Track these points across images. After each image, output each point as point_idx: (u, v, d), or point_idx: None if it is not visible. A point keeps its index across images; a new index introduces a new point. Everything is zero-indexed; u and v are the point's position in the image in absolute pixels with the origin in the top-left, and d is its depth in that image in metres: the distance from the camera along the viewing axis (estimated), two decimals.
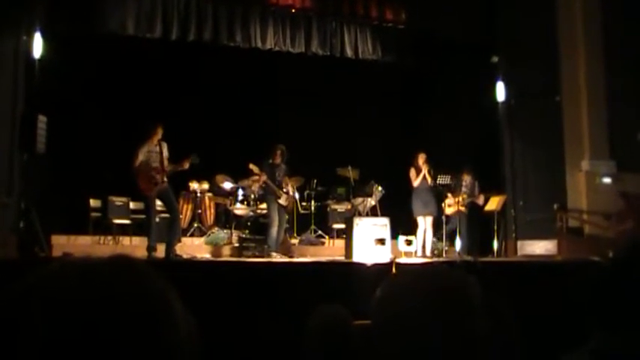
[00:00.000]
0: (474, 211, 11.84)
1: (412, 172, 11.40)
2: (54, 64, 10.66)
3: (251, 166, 10.91)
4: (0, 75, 10.31)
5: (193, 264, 8.86)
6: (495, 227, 12.03)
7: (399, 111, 14.06)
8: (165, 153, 9.73)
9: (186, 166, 9.84)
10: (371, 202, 12.11)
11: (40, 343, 0.82)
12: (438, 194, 11.63)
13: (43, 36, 10.57)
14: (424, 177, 11.35)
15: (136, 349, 0.85)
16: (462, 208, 11.64)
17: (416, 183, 11.35)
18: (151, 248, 9.54)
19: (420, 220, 11.34)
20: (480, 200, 11.70)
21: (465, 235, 11.56)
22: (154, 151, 9.63)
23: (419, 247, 11.25)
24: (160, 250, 9.69)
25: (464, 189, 11.74)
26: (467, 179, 11.81)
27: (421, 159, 11.39)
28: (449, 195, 11.64)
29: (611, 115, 12.36)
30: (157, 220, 10.03)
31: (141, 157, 9.52)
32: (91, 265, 0.92)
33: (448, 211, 11.66)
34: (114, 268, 0.92)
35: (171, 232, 9.73)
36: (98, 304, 0.85)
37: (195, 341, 0.97)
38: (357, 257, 9.62)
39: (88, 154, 11.55)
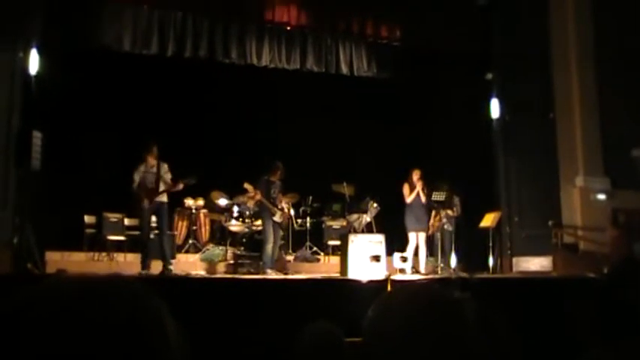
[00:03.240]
0: (464, 226, 11.84)
1: (406, 188, 11.40)
2: (50, 81, 10.67)
3: (246, 185, 10.92)
4: None
5: (188, 281, 8.84)
6: (491, 244, 12.05)
7: (394, 127, 14.07)
8: (164, 173, 9.80)
9: (180, 187, 9.95)
10: (366, 218, 12.09)
11: (34, 358, 0.82)
12: (430, 211, 11.64)
13: (40, 52, 10.59)
14: (417, 193, 11.35)
15: None
16: (439, 224, 11.65)
17: (409, 199, 11.34)
18: (145, 265, 9.54)
19: (412, 235, 11.32)
20: (452, 212, 11.66)
21: (455, 252, 11.53)
22: (150, 172, 9.74)
23: (410, 262, 11.22)
24: (155, 267, 9.69)
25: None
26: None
27: (415, 175, 11.39)
28: (433, 214, 11.66)
29: (605, 132, 12.40)
30: (152, 236, 10.02)
31: (137, 178, 9.63)
32: (85, 283, 0.92)
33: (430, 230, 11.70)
34: (107, 285, 0.92)
35: (163, 250, 9.74)
36: (90, 322, 0.85)
37: (188, 358, 0.97)
38: (353, 274, 9.59)
39: (83, 170, 11.54)
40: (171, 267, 9.66)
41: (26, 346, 0.83)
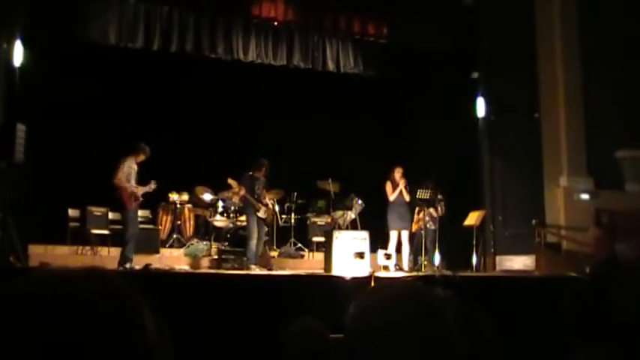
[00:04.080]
0: (447, 225, 11.87)
1: (388, 186, 11.42)
2: (34, 73, 10.59)
3: (230, 180, 10.90)
4: None
5: (172, 276, 8.81)
6: (474, 242, 12.08)
7: (379, 125, 14.11)
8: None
9: (153, 188, 10.02)
10: (351, 215, 12.11)
11: (13, 350, 0.82)
12: (413, 209, 11.67)
13: (24, 44, 10.51)
14: (400, 191, 11.37)
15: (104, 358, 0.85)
16: (421, 223, 11.66)
17: (392, 197, 11.37)
18: (126, 259, 9.52)
19: (393, 233, 11.35)
20: (434, 213, 11.70)
21: (438, 250, 11.56)
22: (134, 168, 9.78)
23: (393, 260, 11.25)
24: (135, 261, 9.69)
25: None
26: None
27: (397, 173, 11.41)
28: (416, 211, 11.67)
29: (589, 132, 12.48)
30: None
31: (125, 170, 9.62)
32: (63, 276, 0.91)
33: (414, 227, 11.71)
34: (85, 279, 0.92)
35: (131, 246, 9.76)
36: (68, 315, 0.85)
37: (167, 352, 0.97)
38: (337, 271, 9.59)
39: (67, 163, 11.47)
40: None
41: (5, 337, 0.83)
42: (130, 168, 9.73)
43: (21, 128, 9.72)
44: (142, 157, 9.88)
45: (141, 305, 0.93)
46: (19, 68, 10.44)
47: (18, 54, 10.43)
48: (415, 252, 11.78)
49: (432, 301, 1.24)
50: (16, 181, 10.03)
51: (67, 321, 0.84)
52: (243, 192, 10.66)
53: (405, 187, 11.38)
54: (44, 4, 11.12)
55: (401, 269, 11.21)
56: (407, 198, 11.39)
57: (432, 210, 11.69)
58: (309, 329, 2.79)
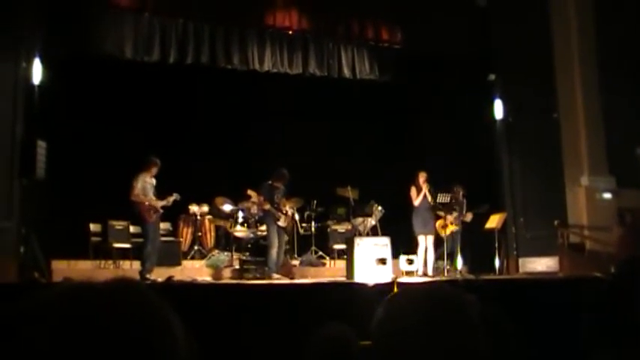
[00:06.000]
0: (471, 228, 11.79)
1: (413, 191, 11.38)
2: (53, 90, 10.70)
3: (249, 191, 10.92)
4: None
5: (194, 287, 8.83)
6: (496, 245, 12.00)
7: (397, 130, 14.08)
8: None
9: (170, 202, 10.06)
10: (371, 221, 12.08)
11: None
12: (437, 214, 11.61)
13: (42, 62, 10.62)
14: (424, 196, 11.33)
15: None
16: (455, 227, 11.59)
17: (417, 202, 11.32)
18: (146, 271, 9.59)
19: (420, 238, 11.29)
20: (468, 218, 11.63)
21: (461, 253, 11.50)
22: (150, 182, 9.87)
23: (420, 265, 11.21)
24: (157, 274, 9.74)
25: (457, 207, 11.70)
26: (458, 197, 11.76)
27: (422, 178, 11.37)
28: (443, 216, 11.56)
29: (609, 131, 12.38)
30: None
31: (139, 186, 9.68)
32: (93, 288, 0.92)
33: (443, 232, 11.55)
34: (115, 290, 0.92)
35: (153, 259, 9.82)
36: (99, 327, 0.85)
37: None
38: (359, 277, 9.57)
39: (87, 178, 11.56)
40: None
41: (33, 349, 0.83)
42: (144, 182, 9.80)
43: (41, 145, 9.82)
44: (155, 170, 9.95)
45: (170, 316, 0.94)
46: (38, 86, 10.55)
47: (37, 72, 10.55)
48: (437, 257, 11.72)
49: (458, 302, 1.24)
50: (37, 197, 10.14)
51: (96, 332, 0.84)
52: (268, 206, 10.64)
53: (429, 192, 11.34)
54: (60, 21, 11.23)
55: (425, 274, 11.15)
56: (430, 202, 11.35)
57: (453, 216, 11.59)
58: (337, 336, 2.77)
